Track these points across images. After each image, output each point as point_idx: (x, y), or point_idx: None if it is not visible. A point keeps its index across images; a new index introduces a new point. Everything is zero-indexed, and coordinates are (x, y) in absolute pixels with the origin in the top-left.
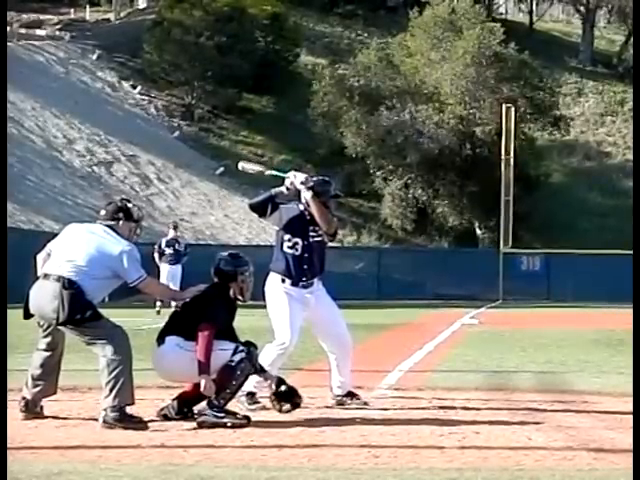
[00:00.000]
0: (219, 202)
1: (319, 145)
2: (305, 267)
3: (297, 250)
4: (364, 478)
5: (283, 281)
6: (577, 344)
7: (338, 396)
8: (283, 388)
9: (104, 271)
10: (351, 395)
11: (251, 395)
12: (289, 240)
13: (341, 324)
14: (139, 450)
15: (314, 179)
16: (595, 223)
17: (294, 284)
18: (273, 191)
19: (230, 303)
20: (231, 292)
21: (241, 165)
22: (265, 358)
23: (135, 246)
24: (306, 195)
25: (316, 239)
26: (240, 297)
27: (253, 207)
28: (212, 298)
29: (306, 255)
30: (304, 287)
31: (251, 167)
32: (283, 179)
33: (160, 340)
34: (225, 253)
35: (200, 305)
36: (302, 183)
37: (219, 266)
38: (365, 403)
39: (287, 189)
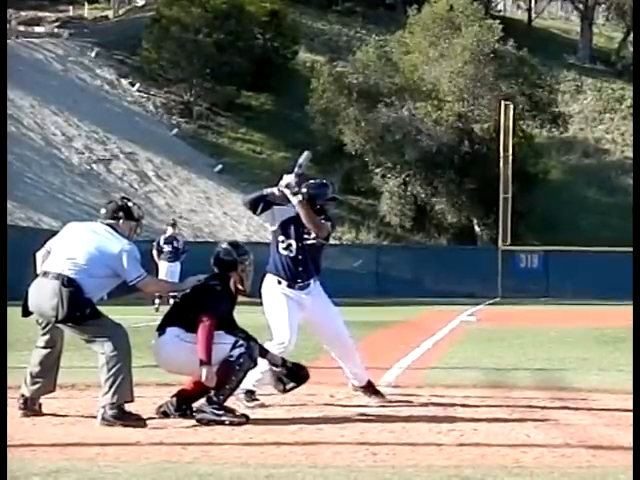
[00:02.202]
0: (218, 199)
1: (318, 142)
2: (300, 269)
3: (291, 252)
4: (362, 475)
5: (279, 282)
6: (576, 341)
7: (357, 388)
8: (289, 365)
9: (104, 270)
10: (371, 388)
11: (250, 393)
12: (283, 242)
13: (339, 325)
14: (138, 447)
15: (311, 182)
16: (594, 220)
17: (290, 286)
18: (265, 191)
19: (230, 293)
20: (231, 282)
21: (307, 153)
22: (260, 371)
23: (135, 245)
24: (292, 200)
25: (310, 241)
26: (240, 287)
27: (245, 203)
28: (213, 289)
29: (300, 257)
30: (300, 289)
31: (303, 160)
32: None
33: (161, 330)
34: (225, 243)
35: (201, 296)
36: (286, 187)
37: (219, 256)
38: (382, 396)
39: (278, 190)
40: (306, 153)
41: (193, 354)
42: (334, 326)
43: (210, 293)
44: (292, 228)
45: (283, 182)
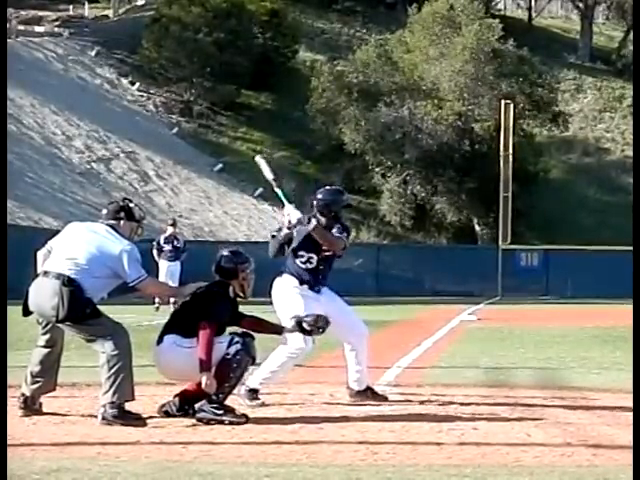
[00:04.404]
0: (218, 199)
1: (318, 141)
2: (320, 277)
3: (312, 264)
4: (363, 474)
5: (301, 284)
6: (576, 340)
7: (358, 392)
8: (305, 326)
9: (104, 270)
10: (371, 391)
11: (253, 391)
12: (302, 256)
13: (352, 313)
14: (138, 447)
15: (327, 188)
16: (594, 219)
17: (310, 289)
18: (279, 237)
19: (231, 300)
20: (231, 289)
21: (258, 159)
22: (276, 360)
23: (136, 246)
24: (308, 227)
25: (328, 252)
26: (241, 294)
27: (275, 256)
28: (213, 295)
29: (321, 267)
30: (317, 292)
31: (265, 169)
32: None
33: (159, 340)
34: (226, 250)
35: (201, 303)
36: (298, 222)
37: (220, 263)
38: (385, 398)
39: (288, 228)
40: (261, 162)
41: (191, 358)
42: (349, 315)
43: (211, 300)
44: (311, 243)
45: (292, 218)
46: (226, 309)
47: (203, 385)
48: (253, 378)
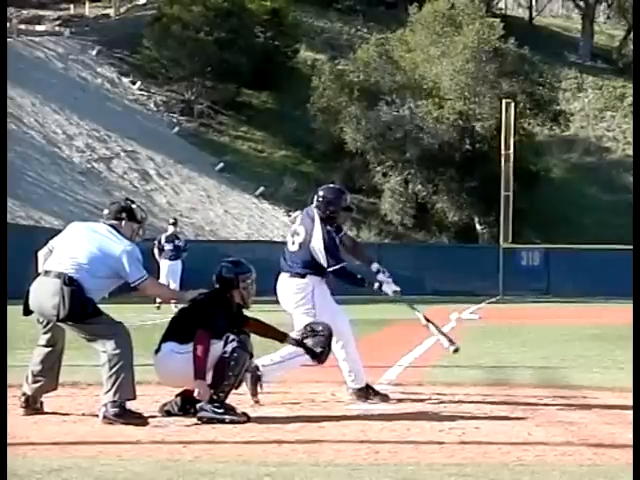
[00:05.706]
0: (219, 198)
1: (319, 140)
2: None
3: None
4: (364, 474)
5: (327, 284)
6: (577, 339)
7: (358, 390)
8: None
9: (105, 270)
10: (372, 390)
11: (257, 377)
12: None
13: (342, 312)
14: (139, 446)
15: (330, 185)
16: (594, 218)
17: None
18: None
19: (229, 310)
20: (228, 295)
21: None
22: (281, 355)
23: (137, 246)
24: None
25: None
26: (242, 303)
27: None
28: (212, 305)
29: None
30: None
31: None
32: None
33: (157, 348)
34: (227, 260)
35: (200, 311)
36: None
37: (221, 273)
38: (386, 397)
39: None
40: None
41: (188, 364)
42: (341, 313)
43: (209, 309)
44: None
45: (389, 291)
46: (224, 319)
47: (195, 394)
48: (262, 365)
